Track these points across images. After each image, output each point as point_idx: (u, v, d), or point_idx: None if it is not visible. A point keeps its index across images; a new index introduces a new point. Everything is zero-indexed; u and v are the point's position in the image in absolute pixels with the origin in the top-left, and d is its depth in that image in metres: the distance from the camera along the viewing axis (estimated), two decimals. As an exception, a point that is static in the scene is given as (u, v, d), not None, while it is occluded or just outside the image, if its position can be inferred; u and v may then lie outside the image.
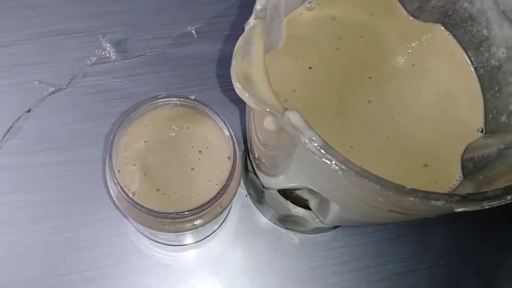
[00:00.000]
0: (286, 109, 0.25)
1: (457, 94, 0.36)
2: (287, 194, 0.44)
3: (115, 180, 0.35)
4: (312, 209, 0.40)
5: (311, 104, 0.34)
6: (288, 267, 0.47)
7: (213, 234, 0.47)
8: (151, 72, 0.53)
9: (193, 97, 0.38)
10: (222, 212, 0.38)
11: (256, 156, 0.38)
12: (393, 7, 0.38)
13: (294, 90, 0.34)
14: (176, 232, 0.38)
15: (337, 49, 0.37)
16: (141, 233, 0.46)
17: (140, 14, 0.56)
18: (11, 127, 0.49)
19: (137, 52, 0.54)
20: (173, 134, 0.39)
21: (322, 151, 0.24)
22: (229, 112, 0.49)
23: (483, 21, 0.35)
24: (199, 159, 0.38)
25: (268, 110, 0.26)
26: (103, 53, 0.52)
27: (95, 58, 0.52)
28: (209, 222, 0.38)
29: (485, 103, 0.36)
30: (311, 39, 0.37)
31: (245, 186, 0.49)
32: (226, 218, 0.47)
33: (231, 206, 0.43)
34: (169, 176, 0.37)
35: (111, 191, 0.37)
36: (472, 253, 0.49)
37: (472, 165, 0.33)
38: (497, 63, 0.35)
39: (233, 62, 0.27)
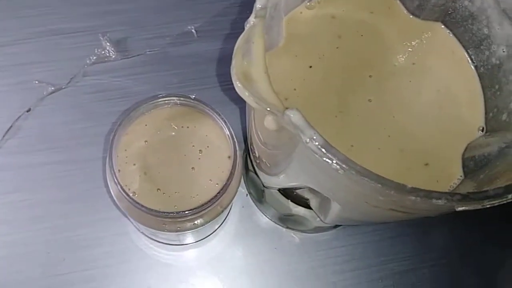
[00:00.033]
0: (287, 108, 0.25)
1: (457, 93, 0.36)
2: (288, 193, 0.44)
3: (116, 180, 0.35)
4: (313, 208, 0.40)
5: (311, 103, 0.34)
6: (288, 266, 0.47)
7: (214, 233, 0.47)
8: (151, 71, 0.53)
9: (193, 96, 0.38)
10: (222, 211, 0.38)
11: (257, 155, 0.38)
12: (393, 6, 0.38)
13: (294, 89, 0.34)
14: (176, 232, 0.38)
15: (337, 47, 0.37)
16: (142, 232, 0.46)
17: (140, 13, 0.56)
18: (11, 126, 0.49)
19: (137, 51, 0.53)
20: (173, 133, 0.39)
21: (323, 150, 0.24)
22: (229, 111, 0.49)
23: (483, 20, 0.35)
24: (199, 159, 0.38)
25: (268, 109, 0.26)
26: (103, 52, 0.52)
27: (95, 58, 0.52)
28: (209, 222, 0.38)
29: (485, 101, 0.35)
30: (311, 37, 0.37)
31: (246, 186, 0.49)
32: (227, 218, 0.47)
33: (231, 206, 0.43)
34: (170, 176, 0.37)
35: (111, 191, 0.37)
36: (473, 252, 0.49)
37: (473, 164, 0.33)
38: (498, 62, 0.34)
39: (233, 61, 0.27)
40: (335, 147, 0.24)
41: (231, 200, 0.38)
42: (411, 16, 0.38)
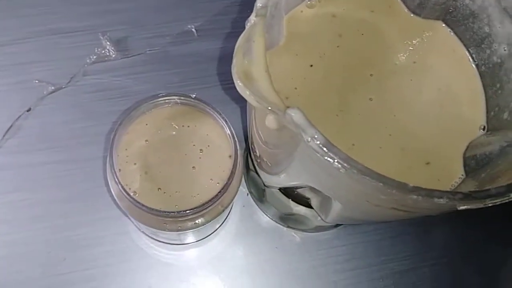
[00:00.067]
0: (288, 107, 0.25)
1: (458, 92, 0.36)
2: (289, 192, 0.44)
3: (116, 179, 0.35)
4: (314, 207, 0.40)
5: (312, 102, 0.34)
6: (289, 265, 0.47)
7: (214, 233, 0.47)
8: (152, 71, 0.53)
9: (194, 95, 0.38)
10: (223, 210, 0.38)
11: (258, 155, 0.38)
12: (394, 4, 0.38)
13: (295, 88, 0.34)
14: (177, 231, 0.38)
15: (338, 46, 0.36)
16: (142, 232, 0.45)
17: (140, 12, 0.56)
18: (11, 126, 0.49)
19: (137, 51, 0.53)
20: (174, 132, 0.38)
21: (324, 149, 0.24)
22: (230, 111, 0.49)
23: (484, 18, 0.35)
24: (200, 158, 0.38)
25: (269, 108, 0.26)
26: (103, 51, 0.52)
27: (95, 57, 0.52)
28: (210, 221, 0.38)
29: (487, 100, 0.35)
30: (312, 36, 0.37)
31: (246, 185, 0.49)
32: (227, 217, 0.47)
33: (232, 205, 0.43)
34: (170, 175, 0.37)
35: (111, 190, 0.37)
36: (475, 251, 0.49)
37: (474, 163, 0.33)
38: (499, 60, 0.34)
39: (234, 59, 0.27)
40: (336, 146, 0.24)
41: (232, 200, 0.38)
42: (411, 15, 0.38)
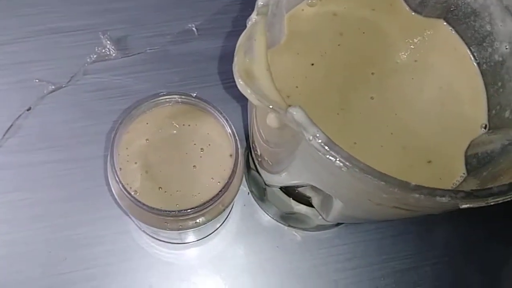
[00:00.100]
0: (289, 106, 0.25)
1: (460, 90, 0.36)
2: (290, 191, 0.44)
3: (117, 178, 0.35)
4: (315, 206, 0.40)
5: (313, 101, 0.34)
6: (290, 264, 0.47)
7: (215, 232, 0.47)
8: (152, 70, 0.53)
9: (195, 94, 0.38)
10: (224, 209, 0.38)
11: (259, 154, 0.38)
12: (395, 3, 0.38)
13: (296, 87, 0.34)
14: (178, 230, 0.38)
15: (339, 45, 0.36)
16: (143, 231, 0.45)
17: (140, 11, 0.55)
18: (11, 125, 0.49)
19: (138, 50, 0.53)
20: (175, 131, 0.38)
21: (326, 147, 0.24)
22: (231, 109, 0.49)
23: (486, 16, 0.35)
24: (201, 157, 0.38)
25: (271, 106, 0.26)
26: (103, 50, 0.52)
27: (95, 56, 0.52)
28: (211, 220, 0.38)
29: (488, 98, 0.35)
30: (313, 35, 0.37)
31: (247, 184, 0.49)
32: (228, 216, 0.47)
33: (233, 204, 0.43)
34: (171, 174, 0.37)
35: (112, 189, 0.37)
36: (477, 250, 0.48)
37: (476, 161, 0.33)
38: (500, 59, 0.34)
39: (235, 58, 0.27)
40: (338, 144, 0.24)
41: (233, 199, 0.38)
42: (413, 13, 0.38)
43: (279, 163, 0.35)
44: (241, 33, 0.28)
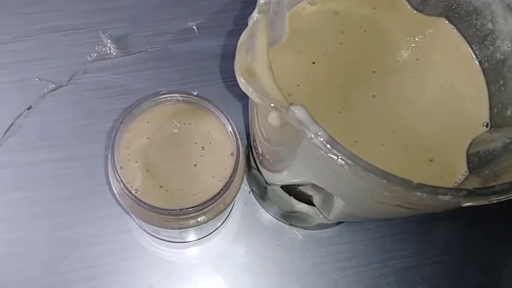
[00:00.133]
0: (291, 104, 0.25)
1: (461, 88, 0.36)
2: (291, 190, 0.44)
3: (118, 177, 0.35)
4: (316, 205, 0.40)
5: (314, 99, 0.34)
6: (291, 263, 0.47)
7: (216, 231, 0.47)
8: (152, 68, 0.53)
9: (196, 93, 0.38)
10: (225, 208, 0.38)
11: (260, 152, 0.38)
12: (397, 1, 0.38)
13: (298, 85, 0.34)
14: (179, 229, 0.38)
15: (340, 43, 0.36)
16: (144, 230, 0.45)
17: (140, 10, 0.55)
18: (11, 124, 0.49)
19: (138, 48, 0.53)
20: (176, 130, 0.38)
21: (328, 146, 0.24)
22: (232, 108, 0.49)
23: (487, 15, 0.35)
24: (202, 156, 0.38)
25: (272, 104, 0.26)
26: (104, 49, 0.52)
27: (95, 55, 0.52)
28: (212, 219, 0.37)
29: (490, 97, 0.35)
30: (314, 33, 0.36)
31: (248, 183, 0.49)
32: (229, 215, 0.47)
33: (234, 203, 0.43)
34: (172, 173, 0.37)
35: (113, 188, 0.37)
36: (477, 249, 0.48)
37: (478, 160, 0.33)
38: (502, 57, 0.34)
39: (237, 56, 0.27)
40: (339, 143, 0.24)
41: (234, 197, 0.38)
42: (414, 12, 0.38)
43: (280, 162, 0.35)
44: (242, 32, 0.28)
